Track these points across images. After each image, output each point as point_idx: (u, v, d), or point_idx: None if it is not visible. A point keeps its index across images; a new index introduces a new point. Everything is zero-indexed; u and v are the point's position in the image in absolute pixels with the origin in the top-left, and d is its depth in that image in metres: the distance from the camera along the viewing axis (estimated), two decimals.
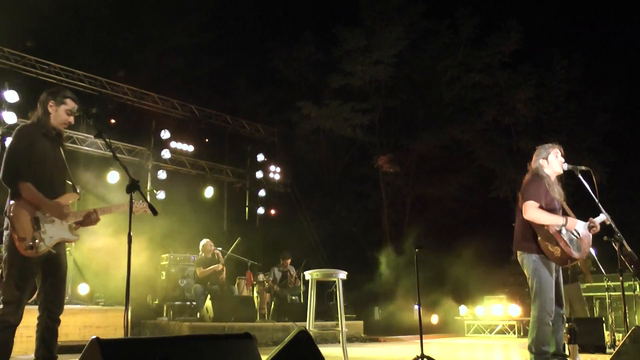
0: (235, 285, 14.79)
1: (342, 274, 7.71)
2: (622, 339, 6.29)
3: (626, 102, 24.24)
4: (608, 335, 11.07)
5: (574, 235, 6.19)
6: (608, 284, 11.91)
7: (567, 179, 6.63)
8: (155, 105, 17.54)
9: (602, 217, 6.31)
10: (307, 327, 7.53)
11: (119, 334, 10.38)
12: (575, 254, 6.11)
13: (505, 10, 24.46)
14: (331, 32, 23.18)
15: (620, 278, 8.13)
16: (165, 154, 16.99)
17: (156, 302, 14.57)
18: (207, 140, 18.95)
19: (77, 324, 10.43)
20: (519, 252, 6.50)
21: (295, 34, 24.25)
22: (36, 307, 5.19)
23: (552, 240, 6.09)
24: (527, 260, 6.35)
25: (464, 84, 24.05)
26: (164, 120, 17.49)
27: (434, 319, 19.08)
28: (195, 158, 18.30)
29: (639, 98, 24.61)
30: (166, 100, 17.81)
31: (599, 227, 6.33)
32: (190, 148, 17.92)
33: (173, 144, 17.36)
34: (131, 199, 5.09)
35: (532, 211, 6.20)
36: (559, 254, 6.07)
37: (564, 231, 6.13)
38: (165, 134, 17.02)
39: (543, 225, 6.16)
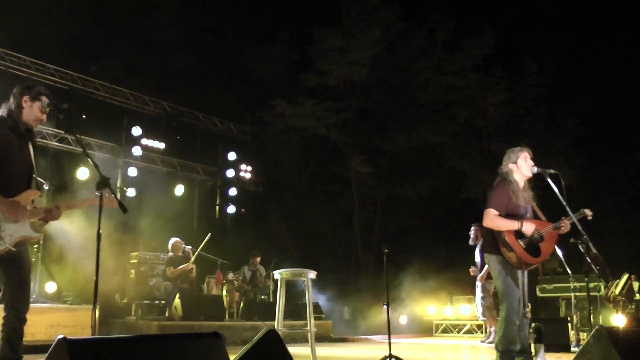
0: (205, 284, 14.79)
1: (312, 274, 7.75)
2: (586, 338, 6.38)
3: (595, 108, 24.59)
4: (573, 334, 11.36)
5: (536, 238, 6.32)
6: (574, 284, 12.10)
7: (535, 182, 6.66)
8: (127, 101, 17.45)
9: (580, 214, 6.40)
10: (276, 327, 7.56)
11: (87, 333, 10.30)
12: (532, 259, 6.28)
13: (479, 15, 24.71)
14: (307, 32, 23.15)
15: (586, 279, 8.31)
16: (137, 150, 16.90)
17: (125, 300, 14.46)
18: (178, 137, 18.85)
19: (44, 323, 10.32)
20: (485, 254, 6.63)
21: (270, 32, 24.20)
22: (1, 306, 5.12)
23: (507, 246, 6.25)
24: (493, 262, 6.49)
25: (437, 87, 24.12)
26: (135, 117, 17.41)
27: (403, 319, 19.18)
28: (167, 155, 18.21)
29: (607, 104, 24.98)
30: (138, 96, 17.72)
31: (568, 226, 6.42)
32: (161, 145, 17.83)
33: (144, 141, 17.27)
34: (101, 196, 5.05)
35: (488, 219, 6.37)
36: (515, 260, 6.24)
37: (522, 235, 6.25)
38: (136, 131, 16.94)
39: (500, 232, 6.31)
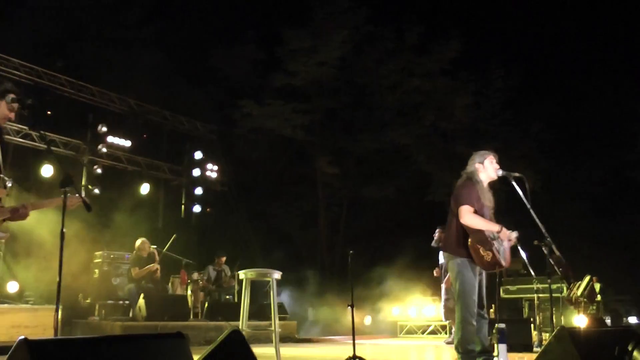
0: (169, 284, 14.64)
1: (277, 274, 7.70)
2: (548, 339, 6.45)
3: (560, 113, 24.99)
4: (535, 334, 11.33)
5: (502, 245, 6.40)
6: (537, 286, 12.24)
7: (500, 185, 6.72)
8: (93, 98, 17.25)
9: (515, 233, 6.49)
10: (240, 327, 7.45)
11: (49, 334, 10.11)
12: (504, 263, 6.33)
13: (447, 19, 24.88)
14: (275, 32, 23.17)
15: (549, 280, 8.53)
16: (102, 148, 16.71)
17: (88, 301, 14.23)
18: (145, 135, 18.69)
19: (5, 324, 10.13)
20: (445, 255, 6.70)
21: (238, 31, 24.11)
22: None
23: (486, 244, 6.24)
24: (452, 264, 6.55)
25: (404, 89, 24.29)
26: (101, 114, 17.19)
27: (367, 320, 19.18)
28: (132, 154, 17.96)
29: (572, 109, 25.32)
30: (104, 93, 17.53)
31: (515, 240, 6.55)
32: (127, 143, 17.60)
33: (110, 139, 17.05)
34: (65, 194, 4.99)
35: (468, 216, 6.34)
36: (489, 259, 6.23)
37: (496, 238, 6.29)
38: (102, 128, 16.74)
39: (477, 230, 6.31)
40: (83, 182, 16.26)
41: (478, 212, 6.43)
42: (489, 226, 6.31)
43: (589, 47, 26.82)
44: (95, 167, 16.64)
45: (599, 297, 15.37)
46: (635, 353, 5.46)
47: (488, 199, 6.58)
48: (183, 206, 19.96)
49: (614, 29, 26.29)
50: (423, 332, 17.77)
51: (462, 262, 6.41)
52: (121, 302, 13.77)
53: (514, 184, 6.49)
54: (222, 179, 20.46)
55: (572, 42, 26.93)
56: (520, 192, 6.46)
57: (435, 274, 13.66)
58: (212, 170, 20.07)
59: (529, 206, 6.44)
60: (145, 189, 17.90)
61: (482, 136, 23.67)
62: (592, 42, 26.85)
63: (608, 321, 15.63)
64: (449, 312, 12.88)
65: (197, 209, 19.69)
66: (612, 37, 26.55)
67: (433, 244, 13.24)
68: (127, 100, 17.94)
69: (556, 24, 26.80)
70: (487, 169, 6.62)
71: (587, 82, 25.84)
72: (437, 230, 13.17)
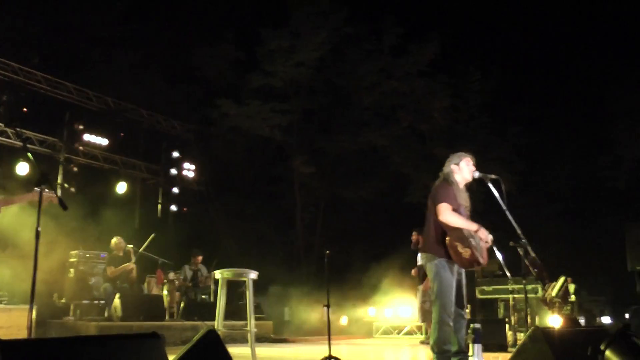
0: (145, 283, 14.58)
1: (253, 274, 7.72)
2: (523, 339, 6.52)
3: (537, 116, 25.29)
4: (510, 335, 11.41)
5: (480, 244, 6.39)
6: (512, 287, 12.33)
7: (477, 187, 6.81)
8: (70, 95, 17.14)
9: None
10: (216, 327, 7.44)
11: (22, 334, 10.05)
12: (482, 260, 6.35)
13: (426, 21, 25.04)
14: (254, 31, 23.06)
15: (524, 281, 8.60)
16: (78, 146, 16.61)
17: (63, 300, 14.12)
18: (122, 134, 18.54)
19: None
20: (422, 255, 6.77)
21: (217, 31, 24.02)
22: None
23: (464, 241, 6.25)
24: (429, 264, 6.54)
25: (382, 90, 24.32)
26: (78, 112, 17.10)
27: (343, 320, 19.22)
28: (109, 152, 17.89)
29: (548, 112, 25.56)
30: (81, 90, 17.43)
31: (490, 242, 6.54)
32: (104, 141, 17.51)
33: (87, 137, 16.96)
34: (41, 192, 4.96)
35: (447, 213, 6.36)
36: (468, 256, 6.24)
37: (474, 237, 6.32)
38: (79, 126, 16.63)
39: (455, 228, 6.33)
40: (59, 181, 16.14)
41: (455, 211, 6.45)
42: (467, 224, 6.34)
43: (566, 51, 27.07)
44: (71, 165, 16.52)
45: (573, 298, 15.52)
46: (607, 352, 5.44)
47: (464, 200, 6.62)
48: (160, 205, 19.86)
49: (591, 34, 26.56)
50: (399, 333, 17.79)
51: (440, 262, 6.41)
52: (97, 302, 13.66)
53: (490, 185, 6.55)
54: (199, 178, 20.42)
55: (549, 47, 27.21)
56: (496, 194, 6.53)
57: (412, 274, 13.70)
58: (189, 170, 20.02)
59: (504, 208, 6.52)
60: (121, 187, 17.81)
61: (459, 138, 23.72)
62: (568, 47, 27.08)
63: (582, 321, 15.74)
64: (425, 314, 12.91)
65: (173, 208, 19.61)
66: (588, 42, 26.85)
67: (412, 247, 13.27)
68: (105, 98, 17.85)
69: (533, 28, 27.06)
70: (462, 170, 6.65)
71: (563, 87, 26.12)
72: (413, 232, 13.19)
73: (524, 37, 27.11)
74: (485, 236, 6.39)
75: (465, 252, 6.24)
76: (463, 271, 6.62)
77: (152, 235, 13.93)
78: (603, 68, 25.86)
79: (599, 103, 25.57)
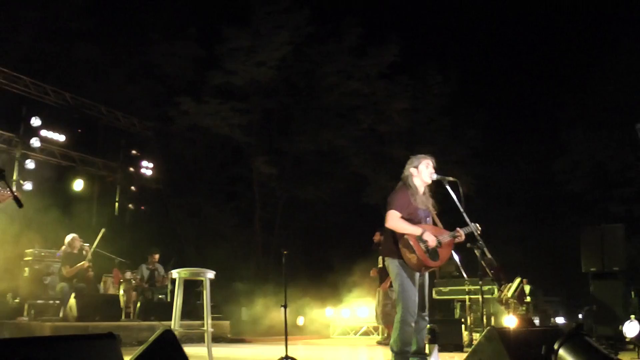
0: (102, 283, 14.40)
1: (210, 274, 7.73)
2: (478, 338, 6.63)
3: (495, 120, 25.51)
4: (466, 335, 11.69)
5: (436, 244, 6.53)
6: (469, 287, 12.38)
7: (436, 188, 6.91)
8: (27, 90, 16.83)
9: (470, 228, 6.68)
10: (173, 327, 7.52)
11: None
12: (432, 262, 6.53)
13: (387, 22, 25.32)
14: (215, 29, 22.93)
15: (480, 282, 8.66)
16: (35, 142, 16.30)
17: (17, 300, 13.86)
18: (79, 130, 18.27)
19: None
20: (384, 257, 6.83)
21: (177, 28, 23.83)
22: None
23: (409, 247, 6.42)
24: (392, 265, 6.65)
25: (342, 91, 24.39)
26: (35, 107, 16.79)
27: (300, 321, 19.21)
28: (67, 149, 17.61)
29: (506, 116, 25.89)
30: (39, 85, 17.14)
31: (463, 236, 6.73)
32: (61, 138, 17.22)
33: (44, 133, 16.67)
34: None
35: (392, 220, 6.54)
36: (415, 261, 6.42)
37: (422, 240, 6.45)
38: (35, 121, 16.34)
39: (403, 234, 6.49)
40: (14, 177, 15.89)
41: (410, 215, 6.60)
42: (411, 230, 6.46)
43: (523, 56, 27.47)
44: (27, 161, 16.25)
45: (528, 299, 15.63)
46: (561, 351, 5.65)
47: (422, 203, 6.73)
48: (117, 204, 19.55)
49: (547, 39, 26.92)
50: (356, 333, 17.86)
51: (401, 262, 6.53)
52: (52, 301, 13.45)
53: (448, 188, 6.62)
54: (157, 176, 20.22)
55: (507, 52, 27.57)
56: (454, 196, 6.58)
57: (371, 274, 13.74)
58: (147, 168, 19.79)
59: (462, 210, 6.60)
60: (79, 185, 17.58)
61: (418, 140, 23.93)
62: (525, 52, 27.51)
63: (537, 321, 15.94)
64: (386, 316, 12.96)
65: (131, 206, 19.40)
66: (545, 48, 27.19)
67: (374, 247, 13.31)
68: (63, 93, 17.57)
69: (492, 33, 27.38)
70: (421, 173, 6.75)
71: (521, 91, 26.46)
72: (376, 232, 13.23)
73: (483, 42, 27.48)
74: (431, 240, 6.46)
75: (412, 258, 6.43)
76: (426, 274, 6.82)
77: (103, 230, 13.75)
78: (559, 73, 26.31)
79: (555, 108, 25.97)
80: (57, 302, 12.98)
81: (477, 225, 6.74)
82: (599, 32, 24.36)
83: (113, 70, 22.05)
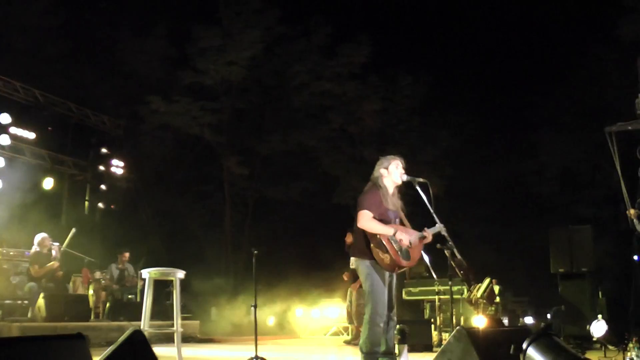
0: (71, 283, 14.23)
1: (180, 274, 7.68)
2: (447, 339, 6.67)
3: (465, 121, 25.59)
4: (436, 335, 11.63)
5: (408, 243, 6.52)
6: (438, 288, 12.42)
7: (406, 189, 6.89)
8: None
9: (437, 228, 6.65)
10: (142, 327, 7.38)
11: None
12: (404, 262, 6.47)
13: (358, 23, 25.30)
14: (186, 28, 22.90)
15: (450, 282, 8.85)
16: (4, 140, 16.12)
17: None
18: (49, 128, 18.08)
19: None
20: (354, 258, 6.79)
21: (148, 26, 23.72)
22: None
23: (382, 247, 6.38)
24: (361, 266, 6.63)
25: (312, 91, 24.49)
26: (4, 103, 16.58)
27: (271, 321, 19.19)
28: (36, 146, 17.39)
29: (477, 118, 25.98)
30: (7, 81, 16.91)
31: (431, 237, 6.70)
32: (31, 135, 16.98)
33: (13, 130, 16.40)
34: None
35: (364, 220, 6.49)
36: (388, 261, 6.38)
37: (396, 240, 6.43)
38: (4, 118, 16.14)
39: (375, 234, 6.43)
40: None
41: (381, 216, 6.58)
42: (384, 230, 6.42)
43: (493, 58, 27.53)
44: None
45: (497, 299, 15.63)
46: (529, 351, 5.69)
47: (392, 204, 6.72)
48: (87, 202, 19.37)
49: (517, 41, 27.10)
50: (325, 334, 17.87)
51: (372, 263, 6.51)
52: (20, 301, 13.17)
53: (418, 188, 6.64)
54: (127, 175, 20.05)
55: (478, 54, 27.63)
56: (424, 197, 6.60)
57: (345, 278, 13.79)
58: (117, 167, 19.62)
59: (432, 211, 6.59)
60: (48, 183, 17.37)
61: (389, 141, 24.06)
62: (495, 54, 27.59)
63: (506, 321, 16.04)
64: (360, 316, 12.96)
65: (101, 205, 19.22)
66: (514, 50, 27.36)
67: (346, 248, 13.31)
68: (32, 90, 17.38)
69: (462, 34, 27.46)
70: (391, 174, 6.74)
71: (491, 93, 26.59)
72: (347, 234, 13.24)
73: (454, 43, 27.53)
74: (404, 239, 6.47)
75: (385, 258, 6.40)
76: (394, 275, 6.75)
77: (73, 230, 13.65)
78: (529, 76, 26.45)
79: (524, 110, 26.10)
80: (26, 302, 12.77)
81: (442, 225, 6.71)
82: (569, 35, 24.48)
83: (83, 68, 21.87)
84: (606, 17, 21.21)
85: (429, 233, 6.66)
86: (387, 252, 6.37)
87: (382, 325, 6.47)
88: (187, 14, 23.68)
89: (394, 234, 6.42)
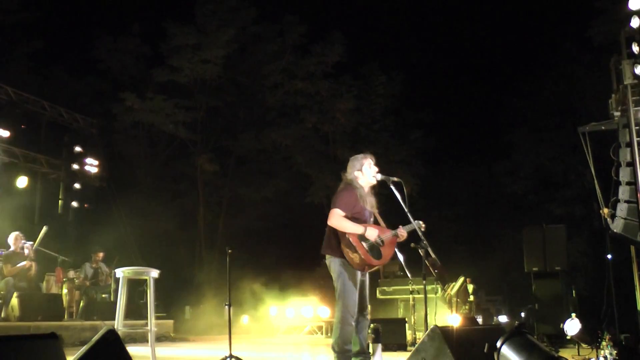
0: (44, 282, 14.07)
1: (154, 273, 7.66)
2: (422, 338, 6.69)
3: (438, 121, 25.79)
4: (410, 334, 11.70)
5: (378, 243, 6.55)
6: (412, 287, 12.39)
7: (380, 189, 6.90)
8: None
9: (411, 226, 6.67)
10: (116, 327, 7.33)
11: None
12: (374, 261, 6.49)
13: (331, 21, 25.32)
14: (160, 26, 22.81)
15: (424, 282, 8.49)
16: None
17: None
18: (23, 126, 17.92)
19: None
20: (327, 256, 6.73)
21: (122, 23, 23.60)
22: None
23: (351, 247, 6.38)
24: (333, 264, 6.62)
25: (286, 90, 24.54)
26: None
27: (245, 319, 19.19)
28: (9, 145, 17.15)
29: (450, 117, 26.15)
30: None
31: (406, 235, 6.74)
32: (4, 133, 16.68)
33: None
34: None
35: (335, 219, 6.49)
36: (358, 261, 6.39)
37: (365, 239, 6.45)
38: None
39: (345, 233, 6.43)
40: None
41: (357, 215, 6.58)
42: (354, 229, 6.42)
43: (467, 58, 27.69)
44: None
45: (471, 298, 15.70)
46: (503, 349, 5.73)
47: (369, 204, 6.72)
48: (61, 201, 19.14)
49: (491, 41, 27.17)
50: (300, 332, 17.88)
51: (342, 262, 6.50)
52: None
53: (393, 188, 6.61)
54: (101, 174, 19.86)
55: (452, 53, 27.76)
56: (399, 196, 6.58)
57: None
58: (91, 165, 19.39)
59: (406, 210, 6.60)
60: (22, 182, 17.11)
61: (362, 140, 24.15)
62: (469, 54, 27.73)
63: (480, 320, 16.10)
64: None
65: (75, 204, 19.03)
66: (489, 49, 27.43)
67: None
68: (5, 87, 17.17)
69: (436, 34, 27.60)
70: (365, 174, 6.73)
71: (465, 93, 26.70)
72: None
73: (428, 42, 27.61)
74: (373, 236, 6.48)
75: (355, 258, 6.40)
76: (367, 273, 6.75)
77: (45, 228, 13.55)
78: (502, 75, 26.60)
79: (497, 109, 26.22)
80: None
81: (421, 222, 6.78)
82: (542, 35, 24.69)
83: (56, 65, 21.70)
84: (578, 18, 21.33)
85: (403, 232, 6.69)
86: (356, 251, 6.37)
87: (353, 324, 6.47)
88: (161, 12, 23.60)
89: (364, 233, 6.42)
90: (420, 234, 6.72)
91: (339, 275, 6.53)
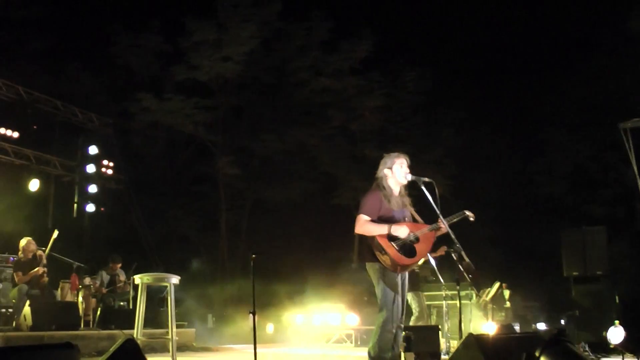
0: (59, 289, 13.91)
1: (175, 279, 7.74)
2: (456, 346, 6.63)
3: (470, 119, 25.50)
4: (444, 342, 11.34)
5: (411, 240, 6.43)
6: (446, 292, 12.20)
7: (410, 190, 6.87)
8: None
9: (455, 217, 6.70)
10: (135, 336, 7.44)
11: None
12: (406, 260, 6.37)
13: (360, 17, 25.24)
14: (179, 22, 22.77)
15: (458, 287, 8.56)
16: None
17: None
18: (34, 127, 17.88)
19: None
20: (366, 263, 6.63)
21: (141, 19, 23.58)
22: None
23: (381, 249, 6.34)
24: (372, 270, 6.55)
25: (312, 88, 24.39)
26: None
27: (270, 328, 18.92)
28: (20, 146, 17.15)
29: (483, 115, 25.74)
30: None
31: (446, 228, 6.54)
32: (15, 134, 16.90)
33: None
34: None
35: (359, 225, 6.50)
36: (389, 262, 6.32)
37: (395, 238, 6.36)
38: None
39: (373, 237, 6.41)
40: None
41: (385, 217, 6.52)
42: (378, 230, 6.37)
43: (500, 54, 27.41)
44: None
45: (507, 304, 16.01)
46: (541, 359, 5.43)
47: (397, 204, 6.64)
48: (75, 205, 19.16)
49: (525, 37, 26.98)
50: (327, 341, 17.43)
51: (380, 267, 6.43)
52: (4, 310, 12.96)
53: (424, 188, 6.52)
54: (118, 176, 19.94)
55: (483, 49, 27.46)
56: (430, 197, 6.47)
57: None
58: (107, 167, 19.55)
59: (438, 212, 6.50)
60: (34, 185, 17.15)
61: (391, 139, 23.84)
62: (503, 50, 27.43)
63: (517, 327, 15.80)
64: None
65: (90, 208, 18.95)
66: (523, 45, 27.29)
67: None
68: (15, 87, 17.08)
69: (468, 29, 27.32)
70: (395, 174, 6.69)
71: (499, 90, 26.42)
72: None
73: (460, 38, 27.38)
74: (403, 234, 6.35)
75: (386, 259, 6.34)
76: (406, 276, 6.70)
77: (56, 232, 13.27)
78: (537, 71, 26.61)
79: (534, 107, 26.22)
80: (10, 310, 12.55)
81: (468, 212, 6.77)
82: (579, 31, 24.62)
83: (70, 63, 21.63)
84: (616, 9, 20.97)
85: (443, 223, 6.52)
86: (385, 252, 6.31)
87: (394, 331, 6.43)
88: (180, 7, 23.62)
89: (390, 231, 6.34)
90: (453, 236, 6.61)
91: (378, 281, 6.51)
